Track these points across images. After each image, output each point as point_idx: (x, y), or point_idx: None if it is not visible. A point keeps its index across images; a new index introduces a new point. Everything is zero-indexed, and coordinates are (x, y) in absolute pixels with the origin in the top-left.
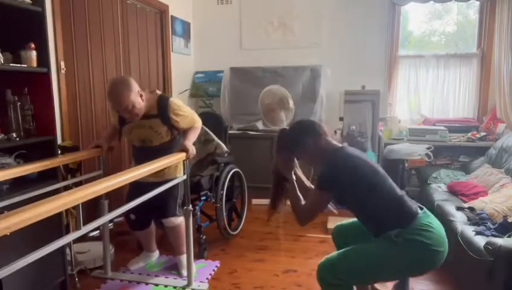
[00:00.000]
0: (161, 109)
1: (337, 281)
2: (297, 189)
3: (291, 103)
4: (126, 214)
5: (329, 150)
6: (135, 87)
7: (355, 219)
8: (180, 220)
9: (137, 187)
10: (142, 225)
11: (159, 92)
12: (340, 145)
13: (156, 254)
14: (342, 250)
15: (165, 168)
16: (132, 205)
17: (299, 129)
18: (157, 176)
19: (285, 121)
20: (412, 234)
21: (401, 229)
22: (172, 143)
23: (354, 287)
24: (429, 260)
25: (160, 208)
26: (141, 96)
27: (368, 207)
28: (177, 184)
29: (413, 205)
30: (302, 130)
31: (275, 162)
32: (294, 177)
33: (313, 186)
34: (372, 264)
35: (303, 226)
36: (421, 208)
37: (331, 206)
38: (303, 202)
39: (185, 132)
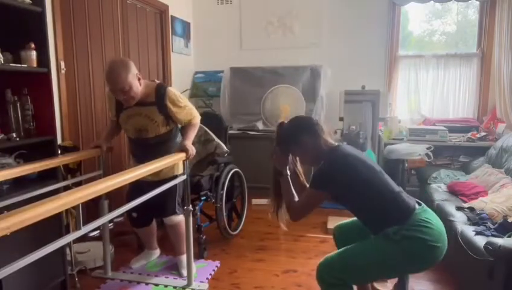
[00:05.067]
0: (158, 96)
1: (335, 281)
2: (291, 184)
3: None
4: (128, 212)
5: (325, 149)
6: (134, 69)
7: (355, 218)
8: (179, 218)
9: (137, 186)
10: (144, 222)
11: (157, 81)
12: (336, 144)
13: (157, 252)
14: (340, 249)
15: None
16: (131, 206)
17: (297, 125)
18: (155, 175)
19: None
20: (409, 230)
21: (398, 226)
22: (169, 136)
23: (355, 287)
24: (427, 256)
25: (159, 206)
26: (139, 79)
27: (366, 205)
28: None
29: (411, 201)
30: (300, 126)
31: (271, 157)
32: (288, 172)
33: (307, 185)
34: (370, 262)
35: (294, 221)
36: (419, 204)
37: None
38: (296, 198)
39: (184, 130)
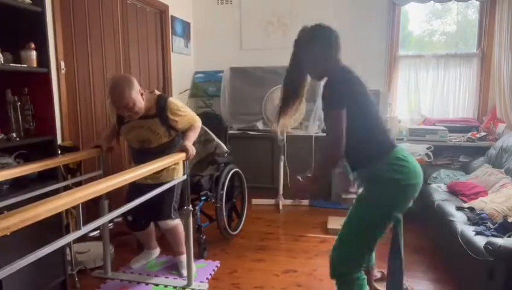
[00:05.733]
0: (159, 108)
1: (346, 269)
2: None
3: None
4: (124, 215)
5: (336, 65)
6: (137, 85)
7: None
8: (175, 222)
9: (136, 189)
10: (141, 226)
11: (157, 92)
12: (347, 64)
13: (157, 251)
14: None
15: (163, 170)
16: (129, 207)
17: (318, 30)
18: (155, 178)
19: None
20: (387, 171)
21: (377, 164)
22: (171, 144)
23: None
24: (405, 194)
25: (155, 210)
26: (142, 94)
27: (357, 129)
28: (173, 187)
29: (394, 140)
30: (321, 31)
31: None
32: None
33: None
34: (363, 221)
35: (335, 161)
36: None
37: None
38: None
39: (184, 132)
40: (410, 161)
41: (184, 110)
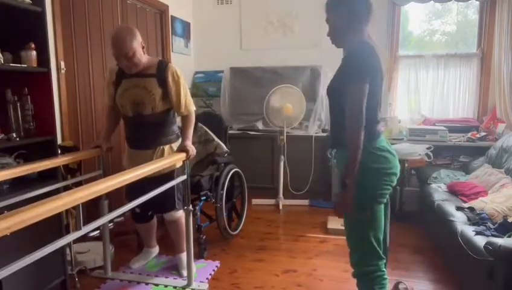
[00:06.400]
0: (159, 70)
1: (365, 268)
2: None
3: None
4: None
5: (359, 36)
6: (139, 37)
7: None
8: (180, 213)
9: (136, 181)
10: (147, 217)
11: (160, 58)
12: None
13: (156, 249)
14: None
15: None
16: (132, 206)
17: None
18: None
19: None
20: (367, 160)
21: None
22: (166, 117)
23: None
24: (387, 179)
25: (159, 202)
26: (143, 48)
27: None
28: (174, 178)
29: (380, 129)
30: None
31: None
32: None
33: None
34: (355, 222)
35: (358, 135)
36: None
37: None
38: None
39: (182, 130)
40: (391, 152)
41: (184, 84)
